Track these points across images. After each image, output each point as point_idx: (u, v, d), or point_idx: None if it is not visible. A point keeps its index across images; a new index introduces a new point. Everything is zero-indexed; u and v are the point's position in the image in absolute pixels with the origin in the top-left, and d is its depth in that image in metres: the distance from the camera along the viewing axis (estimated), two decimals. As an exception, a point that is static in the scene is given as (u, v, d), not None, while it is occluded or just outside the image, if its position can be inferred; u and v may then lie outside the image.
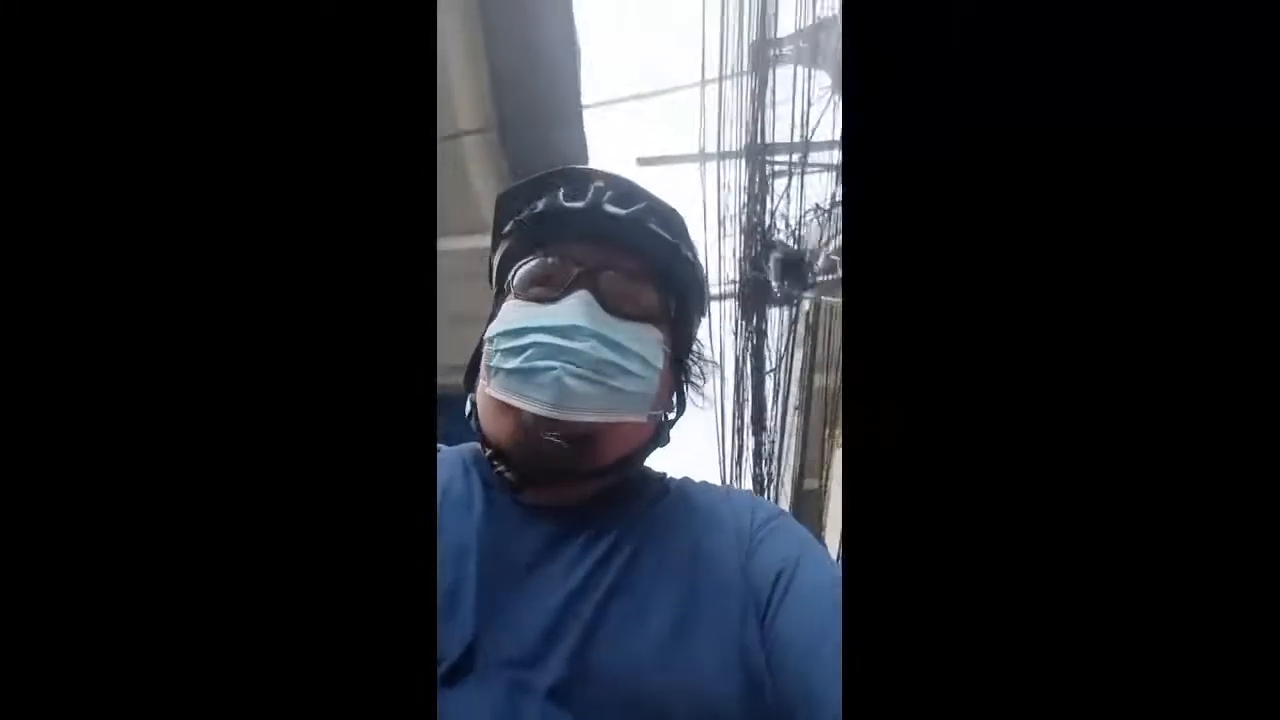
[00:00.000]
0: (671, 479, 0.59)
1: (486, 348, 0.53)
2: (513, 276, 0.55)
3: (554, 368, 0.48)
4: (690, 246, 0.55)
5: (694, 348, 0.60)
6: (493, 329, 0.53)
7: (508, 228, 0.55)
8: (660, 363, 0.53)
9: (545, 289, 0.52)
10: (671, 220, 0.54)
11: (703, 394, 0.60)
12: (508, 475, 0.52)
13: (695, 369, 0.60)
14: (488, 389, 0.52)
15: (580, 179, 0.54)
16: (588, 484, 0.53)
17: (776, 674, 0.43)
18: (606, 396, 0.49)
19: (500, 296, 0.57)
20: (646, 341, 0.52)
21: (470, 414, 0.57)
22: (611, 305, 0.51)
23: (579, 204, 0.52)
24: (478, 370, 0.55)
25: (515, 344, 0.50)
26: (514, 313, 0.52)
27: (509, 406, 0.50)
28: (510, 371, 0.50)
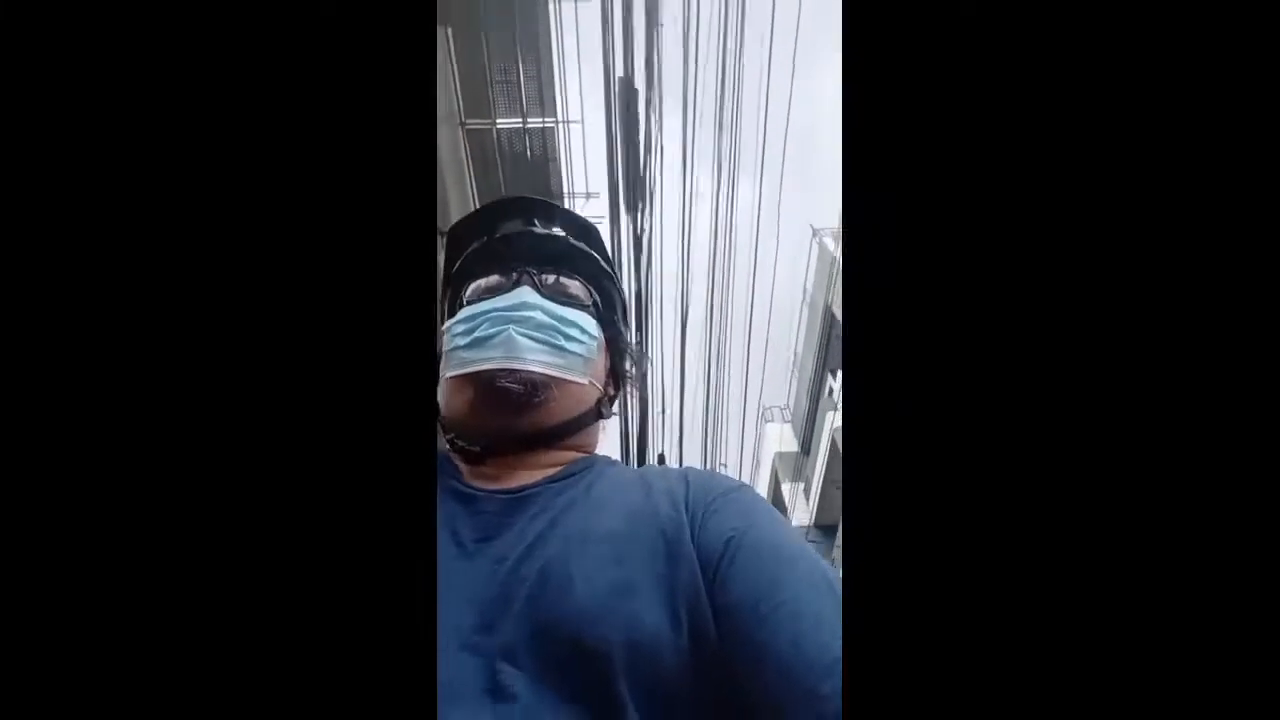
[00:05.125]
0: (629, 466, 0.63)
1: (444, 339, 0.60)
2: (465, 291, 0.64)
3: (505, 329, 0.56)
4: (605, 256, 0.68)
5: (625, 344, 0.69)
6: (448, 323, 0.61)
7: (456, 266, 0.66)
8: (597, 333, 0.62)
9: (494, 292, 0.62)
10: (589, 233, 0.67)
11: (636, 386, 0.69)
12: (471, 448, 0.58)
13: (629, 361, 0.70)
14: (445, 376, 0.59)
15: (514, 207, 0.66)
16: (538, 467, 0.58)
17: (722, 631, 0.45)
18: (552, 354, 0.58)
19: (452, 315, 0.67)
20: (583, 318, 0.61)
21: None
22: (549, 295, 0.61)
23: (516, 229, 0.64)
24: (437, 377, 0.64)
25: (468, 325, 0.58)
26: (467, 309, 0.61)
27: (465, 379, 0.57)
28: (465, 346, 0.57)
